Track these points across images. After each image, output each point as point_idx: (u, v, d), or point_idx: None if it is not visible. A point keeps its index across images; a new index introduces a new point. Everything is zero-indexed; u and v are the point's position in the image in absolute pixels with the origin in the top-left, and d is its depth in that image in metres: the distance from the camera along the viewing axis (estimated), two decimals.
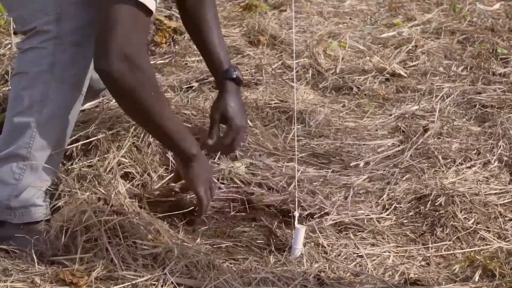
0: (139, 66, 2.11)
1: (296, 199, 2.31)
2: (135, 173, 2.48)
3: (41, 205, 2.25)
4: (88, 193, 2.26)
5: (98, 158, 2.48)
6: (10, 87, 2.28)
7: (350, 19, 4.06)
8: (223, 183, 2.52)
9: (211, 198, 2.35)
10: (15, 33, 3.14)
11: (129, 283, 2.01)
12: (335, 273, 2.13)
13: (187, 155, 2.28)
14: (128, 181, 2.44)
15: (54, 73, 2.20)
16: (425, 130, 2.88)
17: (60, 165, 2.35)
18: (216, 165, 2.58)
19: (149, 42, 3.44)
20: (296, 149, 2.53)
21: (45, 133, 2.21)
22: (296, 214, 2.26)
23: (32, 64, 2.20)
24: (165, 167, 2.54)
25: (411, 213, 2.43)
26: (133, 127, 2.56)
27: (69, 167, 2.44)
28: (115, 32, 2.08)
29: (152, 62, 3.23)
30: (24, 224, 2.23)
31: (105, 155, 2.48)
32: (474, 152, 2.76)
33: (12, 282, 2.03)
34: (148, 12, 2.12)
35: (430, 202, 2.44)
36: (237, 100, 2.48)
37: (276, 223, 2.34)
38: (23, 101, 2.20)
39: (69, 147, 2.47)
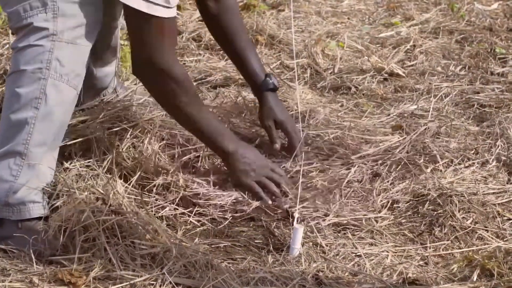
0: (169, 74, 2.24)
1: (298, 200, 2.31)
2: (133, 173, 2.48)
3: (39, 201, 2.25)
4: (86, 193, 2.26)
5: (96, 157, 2.48)
6: (5, 87, 2.28)
7: (348, 18, 4.05)
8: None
9: (281, 178, 2.43)
10: (13, 33, 3.13)
11: (127, 283, 2.01)
12: (333, 273, 2.13)
13: (224, 153, 2.39)
14: (126, 181, 2.44)
15: (51, 70, 2.20)
16: (424, 129, 2.87)
17: (59, 164, 2.35)
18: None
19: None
20: (297, 150, 2.54)
21: (42, 130, 2.21)
22: (296, 214, 2.26)
23: (29, 62, 2.20)
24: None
25: (409, 213, 2.43)
26: (133, 127, 2.56)
27: (68, 167, 2.43)
28: (143, 45, 2.21)
29: None
30: (23, 222, 2.23)
31: (104, 155, 2.48)
32: (472, 151, 2.76)
33: (10, 282, 2.03)
34: (171, 17, 2.20)
35: (428, 201, 2.44)
36: (279, 104, 2.66)
37: (274, 223, 2.34)
38: (19, 99, 2.21)
39: (68, 146, 2.47)
